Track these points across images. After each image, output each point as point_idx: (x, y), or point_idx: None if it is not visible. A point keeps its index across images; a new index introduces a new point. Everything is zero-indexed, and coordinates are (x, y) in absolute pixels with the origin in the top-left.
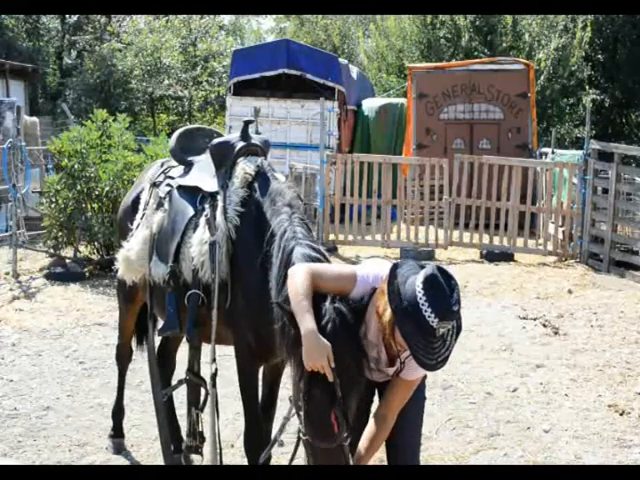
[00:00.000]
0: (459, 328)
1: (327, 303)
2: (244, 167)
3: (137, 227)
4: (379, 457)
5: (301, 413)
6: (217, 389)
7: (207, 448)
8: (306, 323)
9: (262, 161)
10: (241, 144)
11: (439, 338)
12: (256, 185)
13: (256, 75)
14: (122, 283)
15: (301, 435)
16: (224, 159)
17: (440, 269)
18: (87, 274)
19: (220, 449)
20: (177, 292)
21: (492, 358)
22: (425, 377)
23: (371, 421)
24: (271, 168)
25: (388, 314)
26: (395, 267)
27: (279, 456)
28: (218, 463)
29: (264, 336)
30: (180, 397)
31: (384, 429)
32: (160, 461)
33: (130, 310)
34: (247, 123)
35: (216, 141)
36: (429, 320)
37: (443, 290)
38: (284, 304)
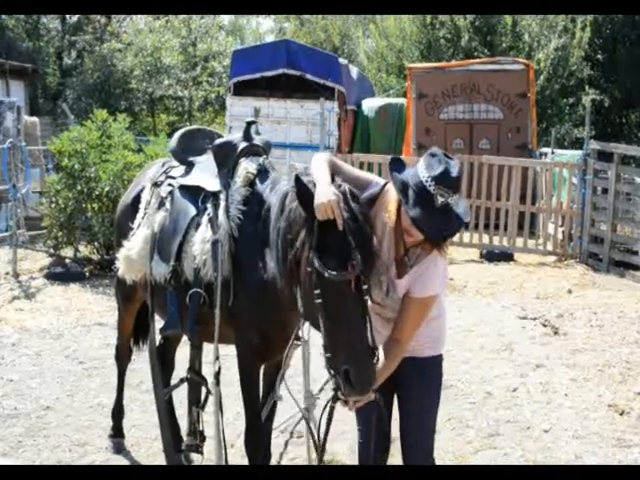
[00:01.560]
0: (460, 222)
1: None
2: (246, 166)
3: (138, 226)
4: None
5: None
6: (220, 388)
7: (211, 447)
8: (321, 178)
9: (264, 160)
10: (243, 144)
11: (439, 210)
12: (257, 181)
13: (256, 75)
14: (121, 282)
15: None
16: (226, 159)
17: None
18: (87, 274)
19: (225, 447)
20: (178, 291)
21: (492, 358)
22: (442, 359)
23: (385, 344)
24: (273, 167)
25: (394, 198)
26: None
27: (279, 456)
28: (223, 461)
29: (266, 334)
30: (179, 397)
31: (398, 352)
32: (160, 461)
33: (129, 310)
34: (249, 124)
35: (218, 141)
36: (426, 184)
37: (442, 159)
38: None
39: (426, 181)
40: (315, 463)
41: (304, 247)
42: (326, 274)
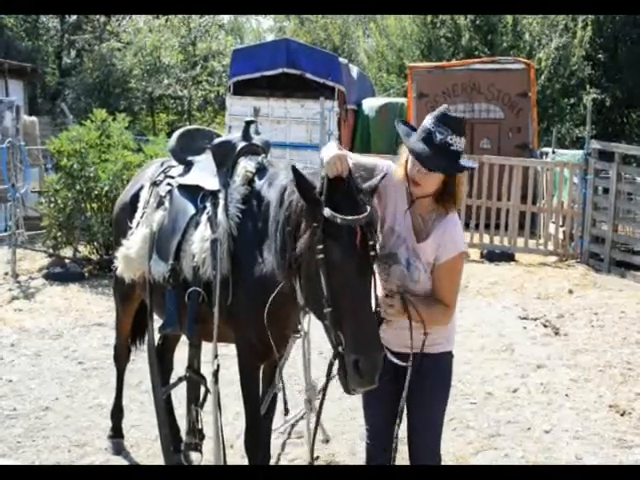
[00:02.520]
0: (459, 165)
1: None
2: (245, 165)
3: (137, 225)
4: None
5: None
6: (218, 386)
7: (210, 446)
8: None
9: (263, 159)
10: (243, 144)
11: (438, 146)
12: (256, 179)
13: (256, 74)
14: (120, 281)
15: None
16: (225, 158)
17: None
18: (86, 274)
19: (223, 446)
20: (177, 290)
21: (493, 358)
22: (452, 356)
23: (435, 301)
24: (271, 165)
25: (405, 153)
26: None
27: (279, 456)
28: (221, 460)
29: (265, 333)
30: (179, 397)
31: (444, 314)
32: (160, 462)
33: (127, 309)
34: (249, 123)
35: (218, 141)
36: (428, 124)
37: (449, 111)
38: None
39: (428, 122)
40: (315, 463)
41: (305, 226)
42: (338, 220)
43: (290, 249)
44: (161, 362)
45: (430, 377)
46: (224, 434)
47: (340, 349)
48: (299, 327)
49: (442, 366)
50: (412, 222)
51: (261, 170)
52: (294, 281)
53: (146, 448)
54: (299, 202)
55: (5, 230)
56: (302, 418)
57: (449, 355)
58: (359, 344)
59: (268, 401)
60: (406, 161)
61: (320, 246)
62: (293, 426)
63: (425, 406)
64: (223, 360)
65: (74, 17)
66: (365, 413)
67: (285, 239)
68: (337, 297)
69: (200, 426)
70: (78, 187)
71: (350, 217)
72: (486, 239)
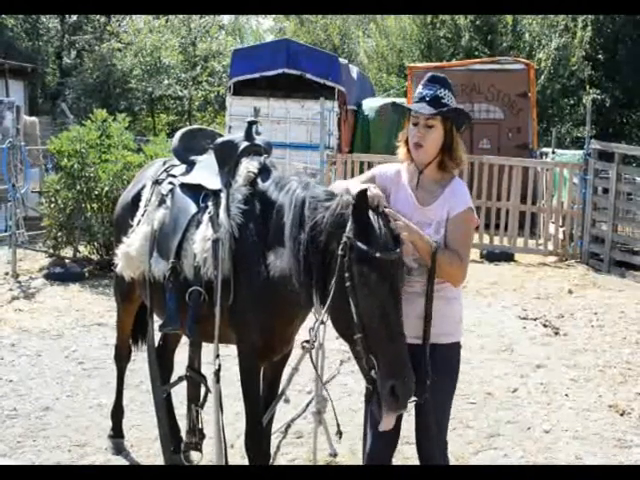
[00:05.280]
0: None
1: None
2: (247, 165)
3: (138, 223)
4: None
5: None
6: (220, 385)
7: (212, 445)
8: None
9: (265, 159)
10: (245, 144)
11: (430, 101)
12: (259, 180)
13: (256, 75)
14: (120, 280)
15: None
16: (228, 158)
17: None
18: (87, 274)
19: (225, 445)
20: (177, 289)
21: (492, 358)
22: (460, 347)
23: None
24: (274, 166)
25: (404, 133)
26: None
27: (279, 456)
28: (223, 460)
29: (267, 334)
30: (180, 398)
31: (456, 262)
32: (160, 461)
33: (128, 309)
34: (251, 123)
35: (220, 140)
36: (419, 89)
37: (435, 73)
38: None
39: (418, 87)
40: (319, 463)
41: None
42: (378, 254)
43: (316, 270)
44: (161, 362)
45: (441, 369)
46: (225, 433)
47: (373, 373)
48: (313, 337)
49: (451, 357)
50: (417, 198)
51: (264, 171)
52: (315, 299)
53: (146, 448)
54: (327, 222)
55: (5, 230)
56: (299, 416)
57: (457, 346)
58: (394, 370)
59: (272, 411)
60: (407, 139)
61: (347, 274)
62: (290, 426)
63: (437, 400)
64: (224, 361)
65: (74, 17)
66: (367, 411)
67: (310, 260)
68: (369, 324)
69: (200, 426)
70: (78, 187)
71: (388, 253)
72: (486, 239)
